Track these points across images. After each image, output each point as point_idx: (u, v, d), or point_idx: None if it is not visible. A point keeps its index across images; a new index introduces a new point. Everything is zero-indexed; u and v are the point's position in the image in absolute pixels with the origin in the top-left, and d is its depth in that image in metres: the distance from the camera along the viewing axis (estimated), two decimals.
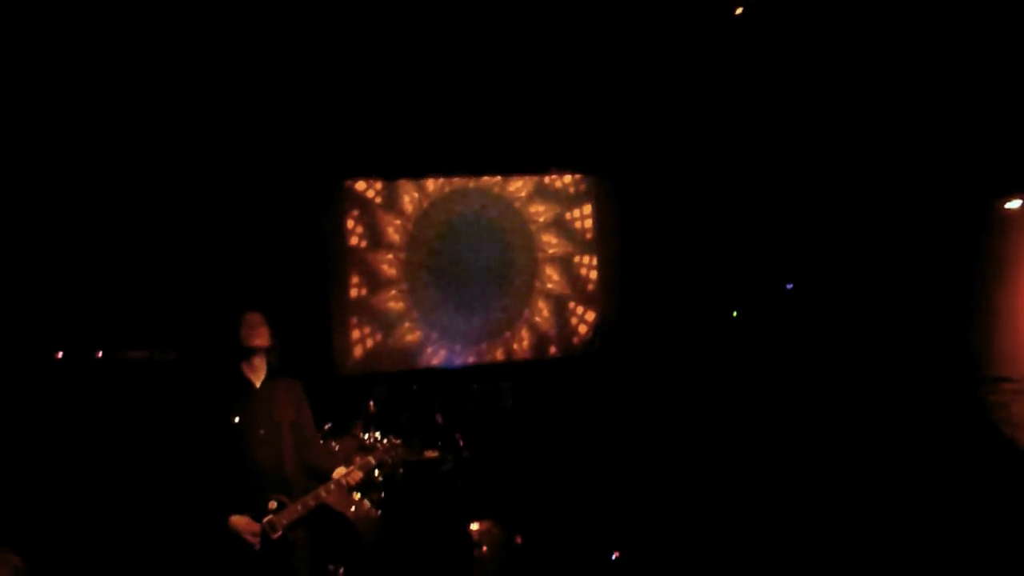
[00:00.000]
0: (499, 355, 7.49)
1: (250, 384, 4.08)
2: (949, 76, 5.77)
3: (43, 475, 5.22)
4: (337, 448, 5.36)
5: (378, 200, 7.36)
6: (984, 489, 5.37)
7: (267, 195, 6.72)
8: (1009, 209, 5.80)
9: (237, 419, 3.98)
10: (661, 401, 6.85)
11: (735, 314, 6.93)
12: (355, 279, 7.26)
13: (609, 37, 6.26)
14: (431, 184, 7.46)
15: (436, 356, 7.36)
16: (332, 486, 4.15)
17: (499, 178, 7.61)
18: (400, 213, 7.39)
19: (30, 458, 5.25)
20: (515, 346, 7.53)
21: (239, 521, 3.86)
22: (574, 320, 7.67)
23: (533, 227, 7.66)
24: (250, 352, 4.10)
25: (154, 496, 4.98)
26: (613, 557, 5.63)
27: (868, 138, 6.29)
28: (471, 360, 7.40)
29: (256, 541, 3.86)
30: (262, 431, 4.01)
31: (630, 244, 7.63)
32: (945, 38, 5.66)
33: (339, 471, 4.20)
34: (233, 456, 3.94)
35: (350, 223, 7.27)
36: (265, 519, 3.91)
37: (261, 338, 4.10)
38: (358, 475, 4.26)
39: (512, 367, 7.43)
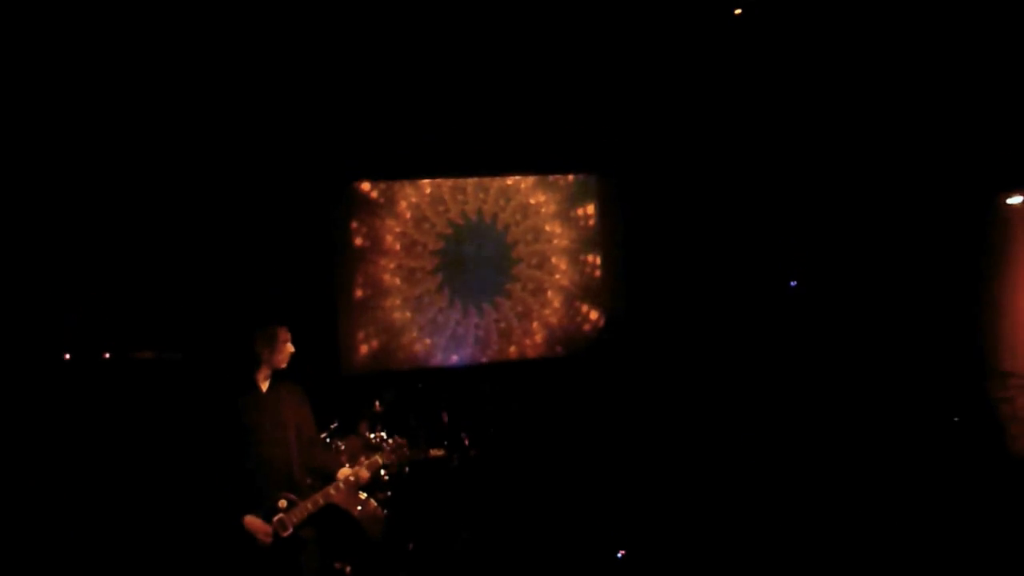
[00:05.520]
0: (505, 353, 7.49)
1: (257, 388, 4.13)
2: (954, 72, 5.79)
3: (53, 476, 5.24)
4: (343, 447, 5.38)
5: (382, 201, 7.36)
6: (988, 484, 5.38)
7: (273, 195, 6.73)
8: (1012, 205, 5.81)
9: (246, 421, 4.03)
10: (668, 399, 6.86)
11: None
12: (361, 279, 7.27)
13: (609, 35, 6.27)
14: (432, 184, 7.45)
15: (441, 355, 7.37)
16: (341, 485, 4.20)
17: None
18: (402, 213, 7.38)
19: (39, 459, 5.28)
20: (520, 344, 7.53)
21: (253, 522, 3.91)
22: (580, 317, 7.67)
23: (536, 220, 7.63)
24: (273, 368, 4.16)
25: (164, 497, 5.01)
26: (619, 555, 5.64)
27: (872, 134, 6.30)
28: (477, 359, 7.41)
29: (269, 540, 3.90)
30: (271, 433, 4.06)
31: (635, 239, 7.61)
32: (949, 34, 5.67)
33: (344, 471, 4.24)
34: (243, 457, 3.99)
35: (355, 224, 7.28)
36: (276, 517, 3.95)
37: (288, 358, 4.15)
38: (365, 474, 4.31)
39: (518, 365, 7.43)
